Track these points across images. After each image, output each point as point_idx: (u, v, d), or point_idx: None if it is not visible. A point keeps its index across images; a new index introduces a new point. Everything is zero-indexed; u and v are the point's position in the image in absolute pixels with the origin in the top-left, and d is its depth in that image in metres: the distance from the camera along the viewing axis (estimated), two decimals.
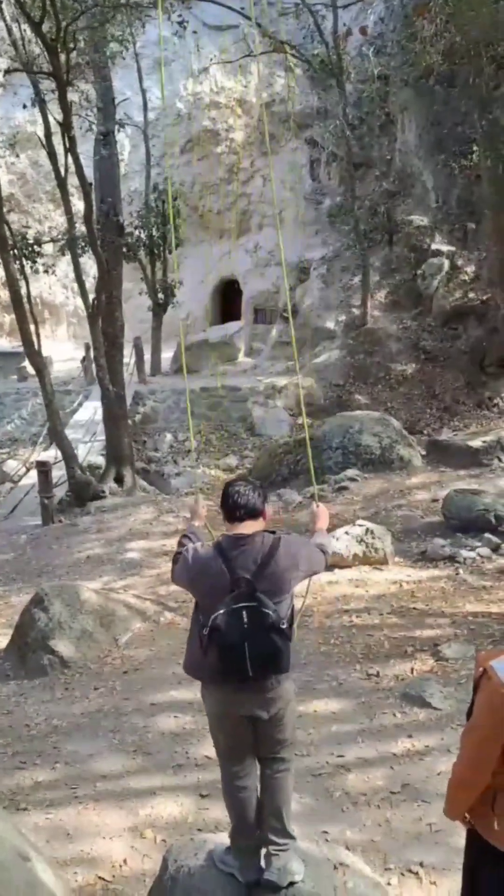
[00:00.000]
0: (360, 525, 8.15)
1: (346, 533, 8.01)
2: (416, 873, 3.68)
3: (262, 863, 3.16)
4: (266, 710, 3.01)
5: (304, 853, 3.40)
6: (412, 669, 5.68)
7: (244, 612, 2.83)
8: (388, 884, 3.55)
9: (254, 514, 3.05)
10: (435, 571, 7.66)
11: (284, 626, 2.90)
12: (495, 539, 8.27)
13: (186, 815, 4.28)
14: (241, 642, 2.82)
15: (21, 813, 4.27)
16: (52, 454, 14.47)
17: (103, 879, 3.79)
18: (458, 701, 5.14)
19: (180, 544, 3.29)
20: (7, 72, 16.88)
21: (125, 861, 3.92)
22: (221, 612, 2.83)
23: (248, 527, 3.03)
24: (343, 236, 23.11)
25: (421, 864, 3.72)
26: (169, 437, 18.55)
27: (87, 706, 5.66)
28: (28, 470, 15.54)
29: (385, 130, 22.90)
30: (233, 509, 3.05)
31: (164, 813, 4.30)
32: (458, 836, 3.89)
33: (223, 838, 3.41)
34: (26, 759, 4.98)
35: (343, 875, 3.29)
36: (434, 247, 20.19)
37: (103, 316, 13.84)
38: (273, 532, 3.11)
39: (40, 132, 15.08)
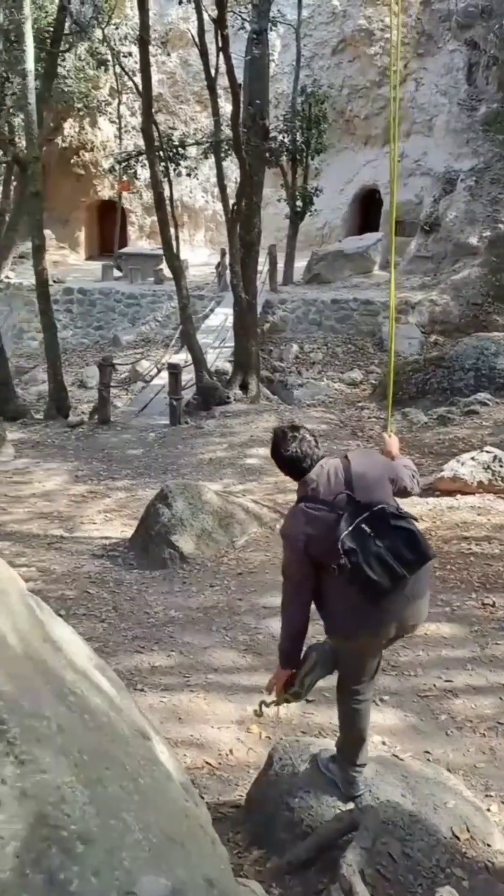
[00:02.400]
0: (488, 451, 7.86)
1: (472, 459, 7.76)
2: None
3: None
4: (418, 619, 3.02)
5: (407, 770, 3.45)
6: None
7: (363, 525, 2.77)
8: (489, 810, 3.55)
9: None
10: None
11: (403, 511, 2.85)
12: None
13: (291, 717, 4.40)
14: (377, 549, 2.74)
15: (138, 693, 4.53)
16: (182, 357, 14.72)
17: (210, 765, 3.99)
18: None
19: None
20: None
21: (231, 751, 4.10)
22: (344, 535, 2.75)
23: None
24: (496, 146, 21.58)
25: None
26: (295, 347, 18.45)
27: (202, 601, 5.87)
28: (159, 371, 15.92)
29: None
30: (297, 474, 2.96)
31: (270, 711, 4.43)
32: None
33: (328, 743, 3.49)
34: (145, 644, 5.25)
35: (444, 795, 3.32)
36: None
37: (241, 222, 13.66)
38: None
39: (193, 30, 14.68)
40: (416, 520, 2.89)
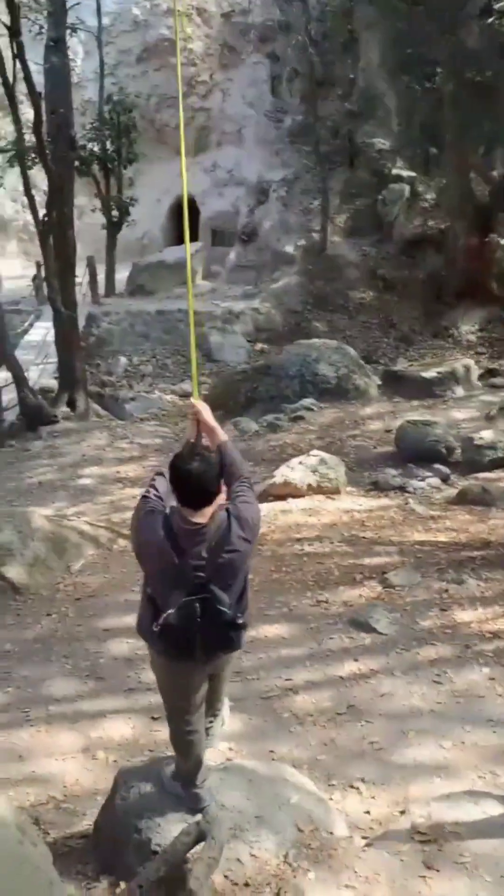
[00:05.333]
0: (315, 455, 8.22)
1: (301, 463, 8.08)
2: (358, 788, 3.85)
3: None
4: (216, 669, 3.10)
5: (251, 773, 3.54)
6: (360, 596, 5.83)
7: (197, 605, 2.73)
8: (331, 798, 3.71)
9: (212, 498, 2.81)
10: (386, 501, 7.80)
11: (241, 620, 2.81)
12: (445, 470, 8.45)
13: (138, 736, 4.39)
14: (193, 634, 2.75)
15: None
16: (1, 376, 14.16)
17: (55, 798, 3.89)
18: (403, 626, 5.33)
19: (150, 487, 3.00)
20: None
21: (77, 780, 4.02)
22: (172, 610, 2.71)
23: (206, 512, 2.79)
24: (304, 157, 22.57)
25: (362, 780, 3.89)
26: (123, 360, 18.29)
27: (39, 632, 5.70)
28: None
29: (349, 49, 22.16)
30: (191, 497, 2.78)
31: (115, 735, 4.40)
32: (397, 753, 4.10)
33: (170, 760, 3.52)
34: None
35: (287, 792, 3.44)
36: (395, 172, 19.90)
37: (54, 234, 13.37)
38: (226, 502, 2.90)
39: None
40: (244, 627, 2.88)
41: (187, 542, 2.76)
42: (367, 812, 3.69)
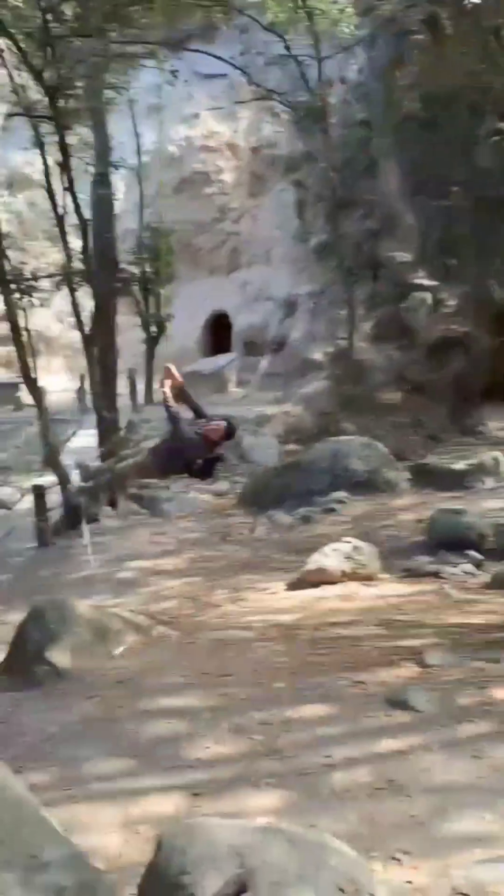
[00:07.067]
0: (347, 542, 8.38)
1: (334, 549, 8.23)
2: (399, 860, 3.83)
3: None
4: None
5: (291, 834, 3.57)
6: (397, 676, 5.86)
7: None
8: (373, 870, 3.71)
9: None
10: (420, 587, 7.87)
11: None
12: (478, 556, 8.52)
13: (179, 811, 4.41)
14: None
15: None
16: (48, 479, 14.66)
17: (99, 870, 3.93)
18: (441, 705, 5.32)
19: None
20: (9, 115, 17.57)
21: (120, 854, 4.06)
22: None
23: None
24: (329, 272, 23.70)
25: (403, 852, 3.87)
26: None
27: (81, 713, 5.79)
28: (23, 496, 15.72)
29: (369, 171, 23.64)
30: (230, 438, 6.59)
31: (157, 810, 4.43)
32: (438, 826, 4.08)
33: (211, 822, 3.58)
34: (22, 763, 5.10)
35: (328, 855, 3.47)
36: (417, 281, 20.81)
37: (98, 345, 14.21)
38: None
39: (37, 174, 15.58)
40: None
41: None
42: (409, 882, 3.67)
